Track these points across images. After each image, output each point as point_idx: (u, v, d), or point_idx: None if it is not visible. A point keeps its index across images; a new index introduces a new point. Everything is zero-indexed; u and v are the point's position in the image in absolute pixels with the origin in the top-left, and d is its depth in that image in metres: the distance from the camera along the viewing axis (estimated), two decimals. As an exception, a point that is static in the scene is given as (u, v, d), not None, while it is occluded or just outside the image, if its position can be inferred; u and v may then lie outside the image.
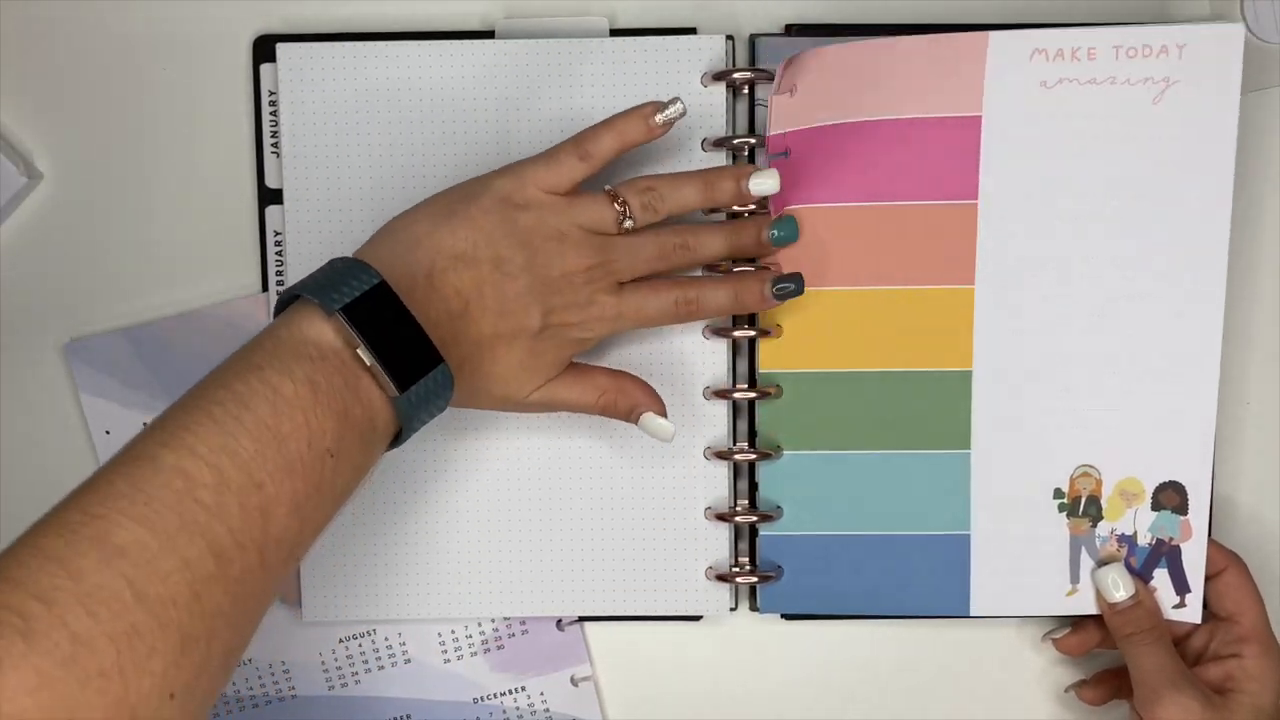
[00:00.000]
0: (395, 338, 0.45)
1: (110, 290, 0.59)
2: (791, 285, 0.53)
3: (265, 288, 0.59)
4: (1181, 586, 0.57)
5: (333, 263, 0.47)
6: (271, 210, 0.58)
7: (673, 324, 0.53)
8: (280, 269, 0.58)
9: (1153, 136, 0.55)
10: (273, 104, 0.58)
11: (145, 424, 0.42)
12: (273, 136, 0.58)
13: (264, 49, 0.58)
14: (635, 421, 0.53)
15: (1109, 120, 0.55)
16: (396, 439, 0.47)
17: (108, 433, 0.59)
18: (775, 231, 0.54)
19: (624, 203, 0.51)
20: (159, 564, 0.37)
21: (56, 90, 0.59)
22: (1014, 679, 0.61)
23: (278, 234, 0.58)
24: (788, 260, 0.56)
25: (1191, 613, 0.57)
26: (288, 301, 0.46)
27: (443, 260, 0.48)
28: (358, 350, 0.44)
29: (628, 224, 0.51)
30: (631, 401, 0.53)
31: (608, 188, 0.51)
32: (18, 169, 0.58)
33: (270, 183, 0.58)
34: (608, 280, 0.51)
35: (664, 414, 0.54)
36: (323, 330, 0.44)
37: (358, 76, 0.57)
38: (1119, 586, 0.56)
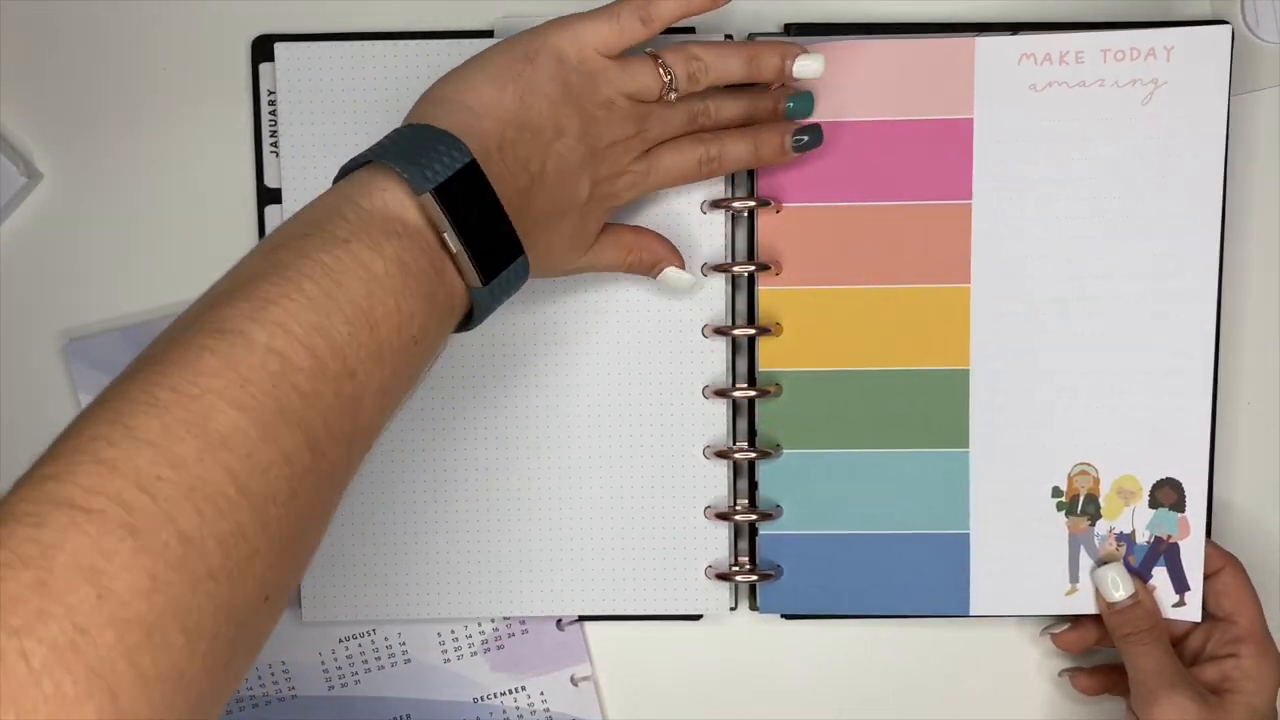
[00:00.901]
0: (483, 224, 0.42)
1: (110, 290, 0.59)
2: (807, 138, 0.53)
3: (265, 288, 0.59)
4: (1181, 584, 0.57)
5: (413, 128, 0.43)
6: (271, 210, 0.58)
7: (695, 181, 0.53)
8: (280, 269, 0.58)
9: (1143, 137, 0.55)
10: (272, 104, 0.58)
11: None
12: (272, 136, 0.58)
13: (263, 49, 0.58)
14: (656, 276, 0.54)
15: (1099, 122, 0.55)
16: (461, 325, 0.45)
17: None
18: (791, 104, 0.53)
19: (669, 72, 0.49)
20: (259, 456, 0.34)
21: (56, 90, 0.59)
22: (1013, 678, 0.61)
23: (277, 234, 0.58)
24: (790, 256, 0.56)
25: (1191, 611, 0.57)
26: (353, 166, 0.43)
27: (511, 131, 0.45)
28: (444, 235, 0.41)
29: (671, 95, 0.49)
30: (654, 257, 0.53)
31: (651, 51, 0.49)
32: (18, 169, 0.58)
33: (270, 182, 0.58)
34: (641, 148, 0.50)
35: (684, 267, 0.54)
36: (407, 206, 0.41)
37: (357, 76, 0.57)
38: (1118, 586, 0.56)
